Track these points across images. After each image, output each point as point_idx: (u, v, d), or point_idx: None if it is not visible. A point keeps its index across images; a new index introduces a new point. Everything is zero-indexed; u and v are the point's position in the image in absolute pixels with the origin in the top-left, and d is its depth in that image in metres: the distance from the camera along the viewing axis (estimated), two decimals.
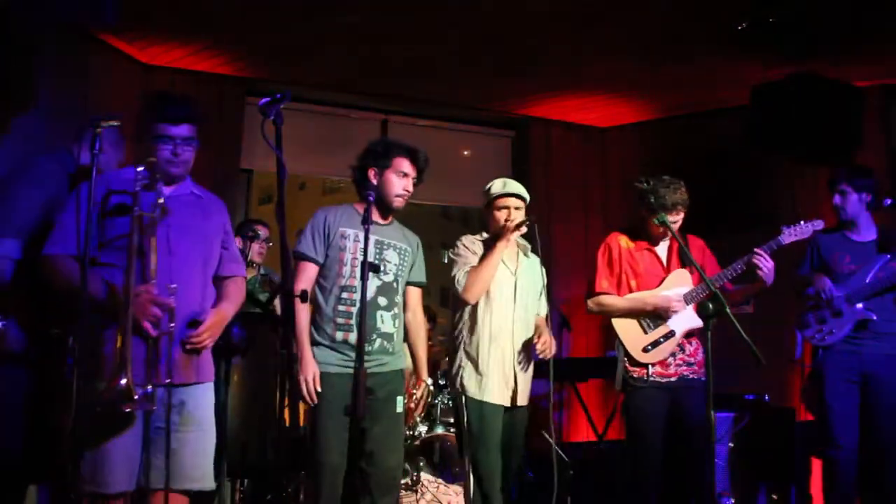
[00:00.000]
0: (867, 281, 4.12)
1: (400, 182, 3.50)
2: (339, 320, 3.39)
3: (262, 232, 5.14)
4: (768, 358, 3.09)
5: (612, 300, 3.98)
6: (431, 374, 5.43)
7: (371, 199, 3.15)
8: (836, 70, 5.21)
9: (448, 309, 4.02)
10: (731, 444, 4.85)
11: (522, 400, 3.79)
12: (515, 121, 6.81)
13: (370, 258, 3.31)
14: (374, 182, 3.49)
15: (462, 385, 3.72)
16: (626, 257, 4.00)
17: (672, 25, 4.97)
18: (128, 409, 2.65)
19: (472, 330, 3.77)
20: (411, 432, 3.80)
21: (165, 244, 2.86)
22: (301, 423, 4.10)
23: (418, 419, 3.74)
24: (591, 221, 6.88)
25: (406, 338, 3.71)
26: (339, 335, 3.38)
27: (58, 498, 3.56)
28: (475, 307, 3.76)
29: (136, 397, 2.60)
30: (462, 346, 3.78)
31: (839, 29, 4.89)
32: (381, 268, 3.42)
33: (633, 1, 4.70)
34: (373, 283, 3.40)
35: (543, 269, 4.00)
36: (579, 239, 6.79)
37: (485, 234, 3.89)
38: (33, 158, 3.37)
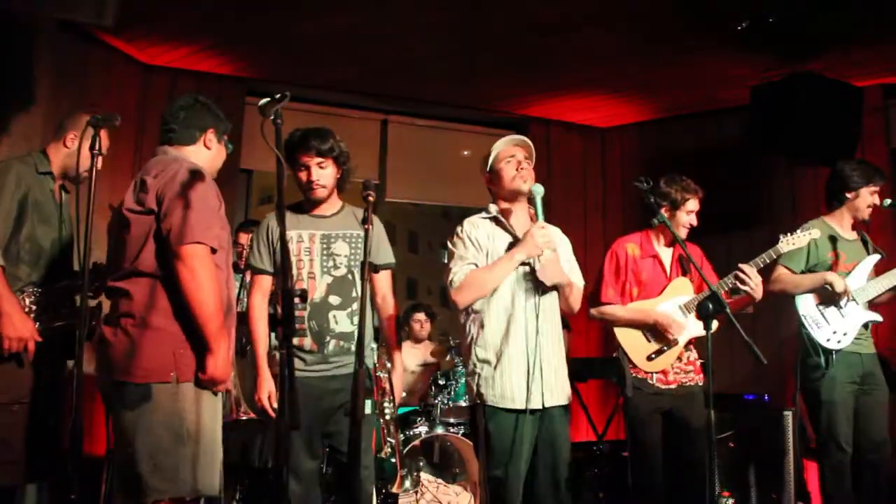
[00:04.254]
0: (866, 281, 4.12)
1: (303, 175, 3.36)
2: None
3: None
4: (768, 358, 3.09)
5: (614, 310, 3.94)
6: (430, 374, 5.44)
7: (370, 199, 2.84)
8: (836, 70, 5.21)
9: (449, 309, 3.44)
10: (731, 444, 4.85)
11: (556, 399, 3.25)
12: (515, 121, 6.80)
13: (317, 256, 3.25)
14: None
15: (478, 392, 3.22)
16: (632, 265, 3.97)
17: (672, 25, 4.97)
18: None
19: (482, 326, 3.25)
20: (386, 417, 3.51)
21: None
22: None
23: (387, 404, 3.42)
24: (591, 221, 6.88)
25: (378, 323, 3.51)
26: (294, 340, 3.12)
27: (58, 498, 3.56)
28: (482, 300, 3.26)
29: None
30: (473, 346, 3.28)
31: (839, 29, 4.90)
32: (332, 263, 3.28)
33: (634, 1, 4.70)
34: (322, 281, 3.29)
35: (565, 237, 3.51)
36: (578, 239, 6.76)
37: (492, 208, 3.38)
38: None
